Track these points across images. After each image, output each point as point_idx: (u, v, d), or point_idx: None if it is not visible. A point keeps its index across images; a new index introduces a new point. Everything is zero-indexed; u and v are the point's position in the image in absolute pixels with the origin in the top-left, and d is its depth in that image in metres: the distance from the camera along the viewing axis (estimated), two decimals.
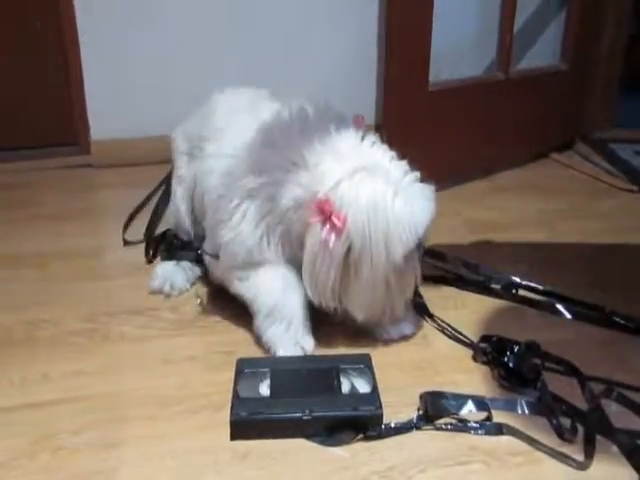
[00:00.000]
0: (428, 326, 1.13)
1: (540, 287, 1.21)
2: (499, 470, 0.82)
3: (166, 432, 0.88)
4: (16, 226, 1.55)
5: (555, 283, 1.23)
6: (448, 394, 0.93)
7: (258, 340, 1.06)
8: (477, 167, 1.87)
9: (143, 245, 1.38)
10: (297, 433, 0.87)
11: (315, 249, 0.97)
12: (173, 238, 1.32)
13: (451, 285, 1.26)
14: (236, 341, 1.08)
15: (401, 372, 1.00)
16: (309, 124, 1.05)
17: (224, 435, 0.87)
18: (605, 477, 0.81)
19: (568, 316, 1.15)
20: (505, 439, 0.87)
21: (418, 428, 0.88)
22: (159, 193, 1.57)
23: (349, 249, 0.96)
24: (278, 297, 1.04)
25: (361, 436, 0.86)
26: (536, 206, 1.69)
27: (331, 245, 0.94)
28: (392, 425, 0.88)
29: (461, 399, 0.92)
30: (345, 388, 0.92)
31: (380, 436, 0.87)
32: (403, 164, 1.01)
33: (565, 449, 0.84)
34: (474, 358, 1.04)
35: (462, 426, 0.89)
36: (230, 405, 0.88)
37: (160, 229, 1.42)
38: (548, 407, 0.91)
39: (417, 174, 1.00)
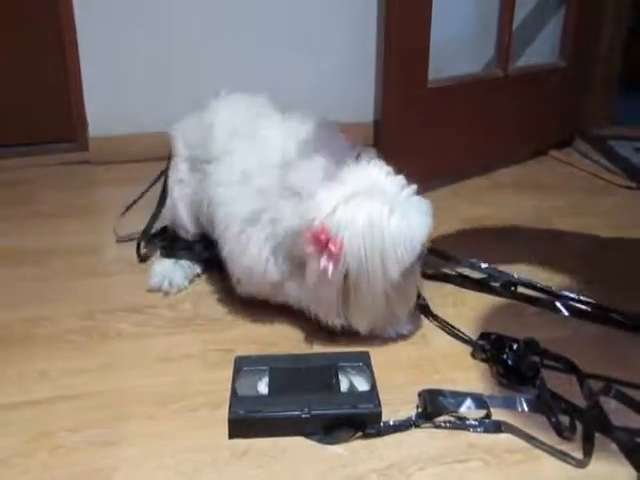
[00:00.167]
0: (427, 324, 1.13)
1: (539, 284, 1.21)
2: (498, 468, 0.82)
3: (165, 430, 0.88)
4: (14, 223, 1.55)
5: (554, 280, 1.22)
6: (447, 392, 0.93)
7: None
8: (476, 164, 1.87)
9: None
10: (296, 431, 0.87)
11: (314, 279, 0.99)
12: (173, 235, 1.31)
13: (450, 283, 1.26)
14: (234, 339, 1.08)
15: (400, 370, 1.00)
16: (307, 147, 1.06)
17: (223, 433, 0.87)
18: (604, 475, 0.81)
19: (566, 313, 1.15)
20: (504, 437, 0.87)
21: (417, 426, 0.88)
22: (159, 194, 1.56)
23: (347, 271, 0.97)
24: None
25: (360, 434, 0.86)
26: (535, 203, 1.69)
27: (330, 274, 0.96)
28: (391, 423, 0.88)
29: (460, 397, 0.92)
30: (344, 386, 0.92)
31: (379, 434, 0.87)
32: (400, 179, 1.01)
33: (564, 447, 0.84)
34: (473, 356, 1.04)
35: (461, 424, 0.89)
36: (228, 403, 0.88)
37: (157, 227, 1.41)
38: (547, 405, 0.91)
39: (414, 187, 1.01)
